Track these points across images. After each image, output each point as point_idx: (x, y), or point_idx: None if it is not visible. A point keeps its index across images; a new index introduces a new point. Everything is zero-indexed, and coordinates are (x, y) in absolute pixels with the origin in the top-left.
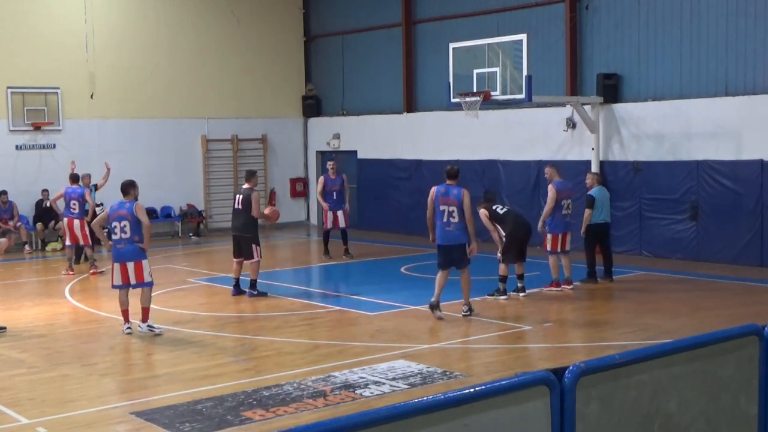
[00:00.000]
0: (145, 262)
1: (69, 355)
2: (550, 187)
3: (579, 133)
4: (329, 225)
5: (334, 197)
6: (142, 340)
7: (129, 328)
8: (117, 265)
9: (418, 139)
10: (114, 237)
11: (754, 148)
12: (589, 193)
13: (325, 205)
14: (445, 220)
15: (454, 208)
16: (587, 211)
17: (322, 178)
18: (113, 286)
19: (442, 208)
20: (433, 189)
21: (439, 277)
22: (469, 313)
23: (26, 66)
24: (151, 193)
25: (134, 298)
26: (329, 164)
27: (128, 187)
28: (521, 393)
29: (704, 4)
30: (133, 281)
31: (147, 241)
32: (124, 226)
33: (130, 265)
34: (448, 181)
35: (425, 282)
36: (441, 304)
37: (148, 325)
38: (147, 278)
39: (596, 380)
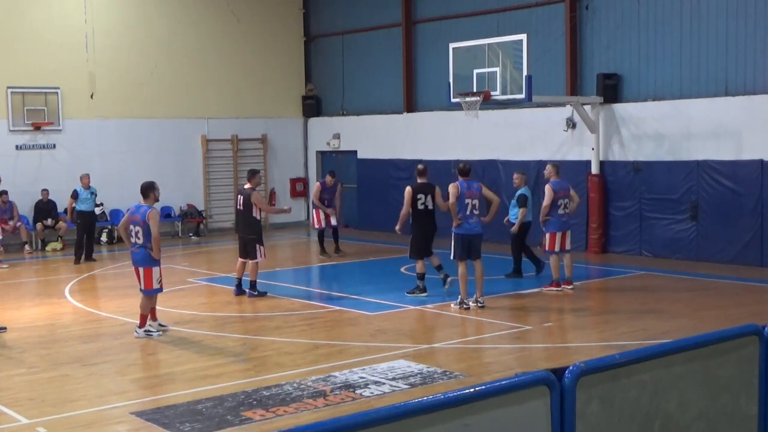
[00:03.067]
0: (155, 269)
1: (69, 355)
2: (546, 186)
3: (579, 133)
4: (323, 225)
5: (325, 203)
6: (141, 339)
7: (147, 330)
8: (133, 269)
9: (418, 139)
10: (131, 240)
11: (754, 148)
12: (522, 192)
13: (325, 209)
14: (469, 212)
15: (477, 201)
16: (524, 210)
17: (318, 185)
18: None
19: (467, 201)
20: (457, 183)
21: (462, 271)
22: (483, 305)
23: (26, 66)
24: None
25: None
26: (328, 178)
27: (147, 190)
28: (521, 393)
29: (704, 4)
30: (142, 286)
31: (156, 251)
32: (138, 231)
33: (141, 271)
34: (462, 178)
35: (425, 282)
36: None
37: (145, 331)
38: (155, 285)
39: (596, 380)
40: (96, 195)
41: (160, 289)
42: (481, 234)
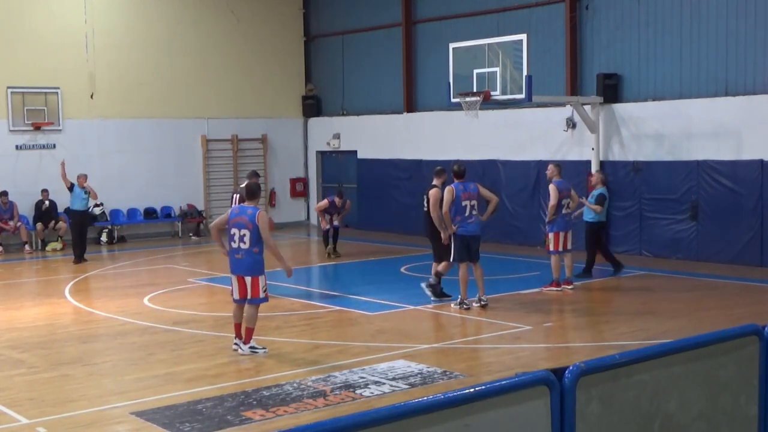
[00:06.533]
0: (262, 277)
1: (69, 355)
2: (551, 186)
3: (579, 133)
4: (328, 225)
5: (329, 216)
6: (141, 339)
7: (237, 344)
8: (234, 278)
9: (418, 139)
10: (232, 244)
11: (754, 148)
12: (601, 191)
13: (323, 222)
14: (467, 214)
15: (475, 202)
16: (599, 207)
17: (326, 202)
18: (235, 300)
19: (464, 203)
20: (452, 187)
21: (463, 272)
22: (486, 303)
23: (26, 66)
24: (151, 193)
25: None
26: (337, 199)
27: (256, 192)
28: (521, 393)
29: (704, 4)
30: (248, 296)
31: (278, 256)
32: (244, 234)
33: (248, 280)
34: (456, 180)
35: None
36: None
37: (251, 347)
38: (262, 294)
39: (596, 380)
40: (89, 192)
41: (266, 299)
42: (479, 235)
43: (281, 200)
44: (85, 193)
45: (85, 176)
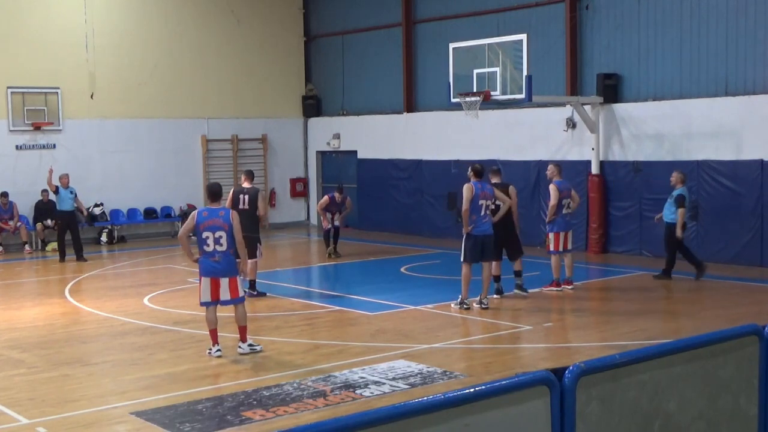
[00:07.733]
0: (237, 277)
1: (69, 355)
2: (551, 186)
3: (579, 133)
4: (329, 225)
5: (332, 210)
6: (141, 339)
7: (219, 350)
8: (207, 281)
9: (418, 139)
10: (206, 248)
11: (754, 148)
12: (681, 192)
13: (325, 221)
14: (482, 213)
15: (490, 203)
16: (683, 210)
17: (327, 199)
18: (202, 303)
19: (480, 202)
20: (471, 185)
21: (466, 272)
22: (487, 306)
23: (26, 66)
24: (151, 193)
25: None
26: (337, 194)
27: (220, 192)
28: (521, 393)
29: (704, 4)
30: (227, 297)
31: (245, 256)
32: (221, 237)
33: (225, 282)
34: (475, 178)
35: (425, 282)
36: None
37: (249, 345)
38: (241, 293)
39: (596, 380)
40: (76, 195)
41: (244, 297)
42: (492, 234)
43: (281, 200)
44: (71, 192)
45: (67, 176)
